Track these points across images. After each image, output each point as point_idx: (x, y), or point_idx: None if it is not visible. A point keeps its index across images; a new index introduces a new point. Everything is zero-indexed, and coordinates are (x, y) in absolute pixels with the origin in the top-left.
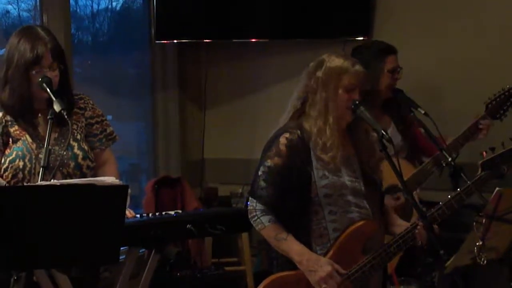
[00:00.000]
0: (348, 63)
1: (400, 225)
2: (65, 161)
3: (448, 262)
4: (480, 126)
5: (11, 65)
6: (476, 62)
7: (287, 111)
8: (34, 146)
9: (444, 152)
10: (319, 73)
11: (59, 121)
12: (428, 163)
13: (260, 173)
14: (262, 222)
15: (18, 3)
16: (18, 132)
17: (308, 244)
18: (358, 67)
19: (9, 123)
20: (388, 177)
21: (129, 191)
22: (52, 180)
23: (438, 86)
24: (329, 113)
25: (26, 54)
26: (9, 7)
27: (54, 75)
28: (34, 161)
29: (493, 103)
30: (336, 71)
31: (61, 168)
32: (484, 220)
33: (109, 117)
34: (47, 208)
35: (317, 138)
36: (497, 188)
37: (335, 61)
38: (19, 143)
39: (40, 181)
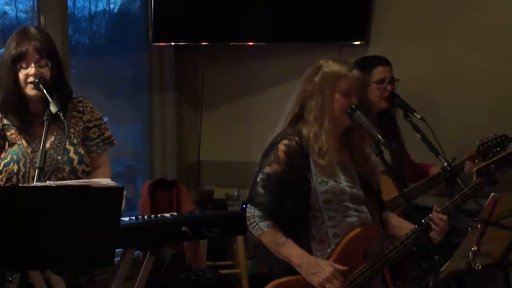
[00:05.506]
0: (345, 68)
1: (404, 227)
2: (60, 166)
3: (443, 267)
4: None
5: (1, 64)
6: (473, 67)
7: (285, 115)
8: (29, 150)
9: (440, 157)
10: (316, 79)
11: (56, 123)
12: (427, 181)
13: (258, 180)
14: (261, 228)
15: (15, 4)
16: (14, 136)
17: (309, 250)
18: (355, 71)
19: (6, 126)
20: (388, 191)
21: (125, 193)
22: (47, 182)
23: (435, 91)
24: (324, 117)
25: (12, 51)
26: (7, 8)
27: (41, 71)
28: (28, 165)
29: (484, 146)
30: (333, 76)
31: (56, 173)
32: (479, 225)
33: (106, 119)
34: (41, 209)
35: (314, 143)
36: (492, 194)
37: (332, 66)
38: (15, 147)
39: (35, 182)
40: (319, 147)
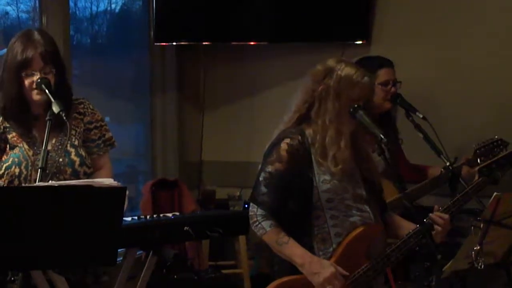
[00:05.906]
0: (358, 75)
1: (406, 227)
2: (62, 168)
3: (446, 267)
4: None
5: (5, 67)
6: (474, 67)
7: (292, 113)
8: (30, 152)
9: (442, 157)
10: (330, 81)
11: (57, 125)
12: (429, 182)
13: (261, 178)
14: (264, 227)
15: (17, 4)
16: (15, 138)
17: (311, 249)
18: (367, 78)
19: (7, 129)
20: (388, 193)
21: (127, 193)
22: (50, 182)
23: (435, 91)
24: (343, 124)
25: (17, 57)
26: (8, 8)
27: (46, 78)
28: (30, 168)
29: (481, 150)
30: (348, 81)
31: (57, 175)
32: (482, 225)
33: (107, 119)
34: (44, 209)
35: (328, 150)
36: (495, 193)
37: (346, 70)
38: (16, 150)
39: (37, 182)
40: (333, 155)
